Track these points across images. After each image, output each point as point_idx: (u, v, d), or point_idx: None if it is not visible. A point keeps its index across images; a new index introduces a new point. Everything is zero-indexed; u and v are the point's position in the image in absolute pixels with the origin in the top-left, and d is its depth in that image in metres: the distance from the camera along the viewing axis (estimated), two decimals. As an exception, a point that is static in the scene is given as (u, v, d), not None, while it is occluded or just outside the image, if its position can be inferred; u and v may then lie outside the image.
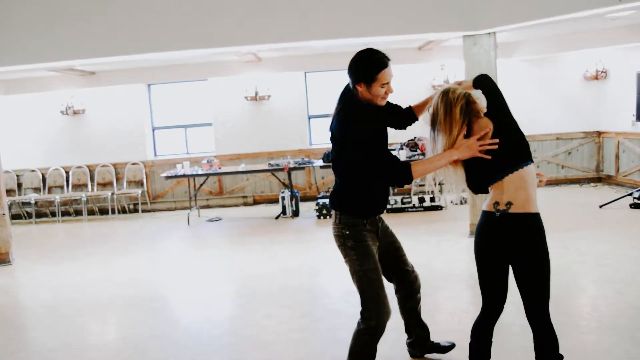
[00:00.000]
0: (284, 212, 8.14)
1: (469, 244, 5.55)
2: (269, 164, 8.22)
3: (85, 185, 9.56)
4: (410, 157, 7.78)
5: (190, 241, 7.32)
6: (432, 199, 7.86)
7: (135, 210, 9.52)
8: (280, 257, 5.97)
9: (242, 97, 9.31)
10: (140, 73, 9.21)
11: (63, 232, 8.42)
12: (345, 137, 2.55)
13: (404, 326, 3.11)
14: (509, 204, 2.38)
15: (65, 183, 9.59)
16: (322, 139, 9.63)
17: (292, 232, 7.21)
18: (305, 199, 9.32)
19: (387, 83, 2.53)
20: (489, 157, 2.39)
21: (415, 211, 7.84)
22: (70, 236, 8.09)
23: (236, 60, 8.73)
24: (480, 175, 2.48)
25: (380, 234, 2.80)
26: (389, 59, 2.53)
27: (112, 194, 9.24)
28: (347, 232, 2.66)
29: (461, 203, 7.86)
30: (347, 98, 2.61)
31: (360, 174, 2.60)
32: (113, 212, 9.37)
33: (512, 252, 2.41)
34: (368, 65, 2.50)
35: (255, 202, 9.57)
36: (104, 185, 9.57)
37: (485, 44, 5.63)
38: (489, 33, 5.59)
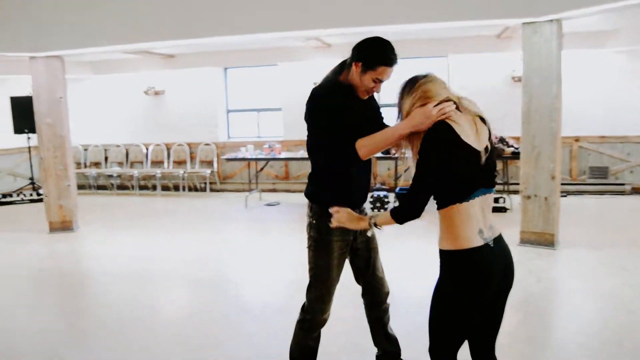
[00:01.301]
0: (339, 202, 8.00)
1: (518, 254, 5.11)
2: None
3: (162, 162, 10.06)
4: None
5: (244, 223, 7.42)
6: (496, 200, 7.32)
7: (204, 190, 9.85)
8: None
9: (310, 83, 9.23)
10: (216, 57, 9.46)
11: (137, 205, 8.90)
12: (306, 114, 2.43)
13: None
14: (491, 227, 2.00)
15: (145, 159, 10.17)
16: (392, 128, 9.35)
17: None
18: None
19: (380, 81, 2.34)
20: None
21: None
22: (142, 209, 8.51)
23: (305, 46, 8.67)
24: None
25: (361, 233, 2.55)
26: (396, 62, 2.34)
27: (184, 172, 9.63)
28: (314, 222, 2.51)
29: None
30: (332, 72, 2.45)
31: (321, 156, 2.46)
32: (184, 190, 9.79)
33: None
34: (377, 53, 2.32)
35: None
36: (179, 163, 10.01)
37: (546, 33, 5.06)
38: (551, 20, 5.02)
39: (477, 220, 1.95)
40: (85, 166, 10.51)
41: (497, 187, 8.20)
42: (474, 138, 1.92)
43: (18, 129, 9.06)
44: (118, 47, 6.77)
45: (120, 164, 10.29)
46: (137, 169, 10.10)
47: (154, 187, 10.00)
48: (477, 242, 1.94)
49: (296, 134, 9.46)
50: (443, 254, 2.00)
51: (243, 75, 10.13)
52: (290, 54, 9.09)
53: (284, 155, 8.49)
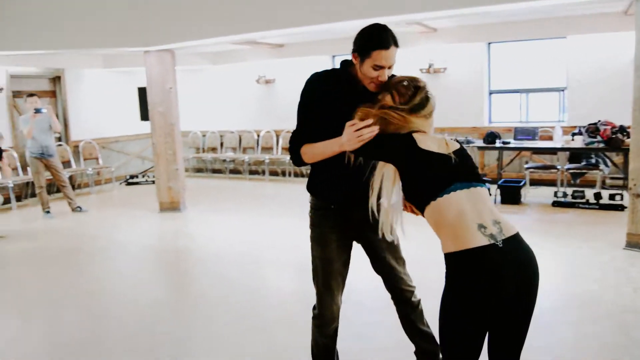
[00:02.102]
0: (438, 192, 7.73)
1: (621, 259, 4.62)
2: (426, 140, 7.84)
3: (271, 149, 10.44)
4: (587, 143, 6.63)
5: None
6: (612, 197, 6.59)
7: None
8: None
9: (417, 70, 8.99)
10: (324, 45, 9.55)
11: (246, 189, 9.33)
12: None
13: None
14: (497, 223, 1.81)
15: (255, 145, 10.62)
16: (504, 116, 8.81)
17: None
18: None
19: (382, 67, 2.15)
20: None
21: (589, 209, 6.66)
22: (250, 193, 8.89)
23: (410, 31, 8.44)
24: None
25: (367, 228, 2.39)
26: (393, 44, 2.16)
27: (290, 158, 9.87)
28: (311, 214, 2.48)
29: None
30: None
31: None
32: (289, 175, 10.09)
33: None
34: (368, 39, 2.18)
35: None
36: (287, 149, 10.30)
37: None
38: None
39: (470, 214, 1.80)
40: (204, 151, 11.24)
41: (615, 183, 7.43)
42: (437, 147, 1.94)
43: (144, 116, 9.90)
44: (224, 39, 7.09)
45: (233, 149, 10.86)
46: (248, 154, 10.58)
47: (263, 172, 10.42)
48: (481, 240, 1.76)
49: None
50: (446, 258, 1.86)
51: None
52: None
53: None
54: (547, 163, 7.98)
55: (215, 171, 11.10)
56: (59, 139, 9.62)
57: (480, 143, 7.47)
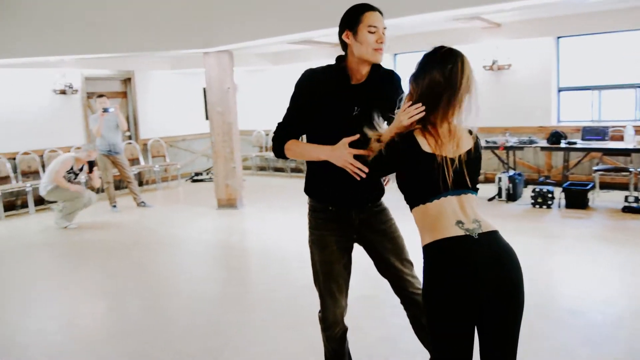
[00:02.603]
0: (499, 194, 7.44)
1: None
2: (486, 140, 7.57)
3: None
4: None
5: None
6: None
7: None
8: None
9: (479, 67, 8.69)
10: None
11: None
12: None
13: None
14: (477, 221, 1.82)
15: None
16: (574, 115, 8.35)
17: (492, 217, 6.54)
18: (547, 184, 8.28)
19: (376, 28, 2.15)
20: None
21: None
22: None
23: (472, 27, 8.18)
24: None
25: (367, 229, 2.38)
26: (377, 9, 2.21)
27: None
28: (309, 217, 2.44)
29: None
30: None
31: None
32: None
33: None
34: (353, 10, 2.20)
35: (488, 180, 8.95)
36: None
37: None
38: None
39: (453, 214, 1.82)
40: (266, 150, 11.43)
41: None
42: (442, 147, 1.86)
43: (207, 116, 10.22)
44: (280, 39, 7.16)
45: (295, 148, 10.95)
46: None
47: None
48: (456, 231, 1.79)
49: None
50: (423, 251, 1.87)
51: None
52: (457, 35, 8.65)
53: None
54: (619, 165, 7.48)
55: (277, 170, 11.28)
56: (129, 137, 10.11)
57: (544, 143, 7.12)
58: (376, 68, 2.30)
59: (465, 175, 1.86)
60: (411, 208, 1.92)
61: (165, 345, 3.49)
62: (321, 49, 9.93)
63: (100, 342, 3.65)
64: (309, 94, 2.27)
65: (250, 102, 11.45)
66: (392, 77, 2.34)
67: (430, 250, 1.83)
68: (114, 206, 7.99)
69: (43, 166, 8.70)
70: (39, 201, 8.56)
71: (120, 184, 9.29)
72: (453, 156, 1.85)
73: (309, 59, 10.34)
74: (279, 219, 6.99)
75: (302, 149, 2.25)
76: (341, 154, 2.05)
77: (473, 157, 1.90)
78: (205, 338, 3.55)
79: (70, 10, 7.15)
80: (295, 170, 10.93)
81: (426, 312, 1.86)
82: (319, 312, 2.49)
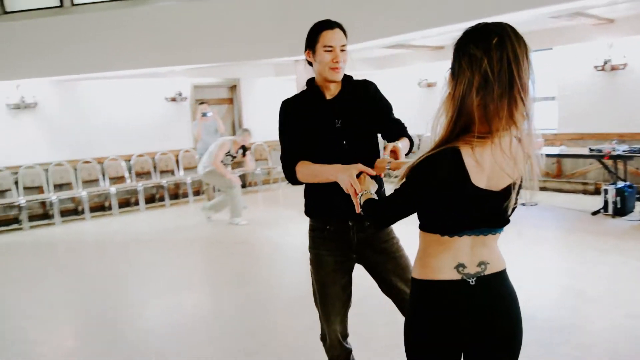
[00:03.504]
0: (604, 208, 6.73)
1: None
2: (590, 148, 6.89)
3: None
4: None
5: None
6: None
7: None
8: (550, 263, 5.19)
9: (590, 67, 7.94)
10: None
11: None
12: None
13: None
14: (484, 263, 1.55)
15: (417, 149, 10.44)
16: None
17: (593, 234, 5.93)
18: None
19: (331, 47, 2.21)
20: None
21: None
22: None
23: (581, 24, 7.51)
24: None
25: (367, 249, 2.31)
26: (337, 27, 2.26)
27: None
28: (309, 236, 2.39)
29: None
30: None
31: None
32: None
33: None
34: (312, 29, 2.29)
35: (597, 191, 8.14)
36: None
37: None
38: None
39: (460, 254, 1.54)
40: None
41: None
42: (496, 176, 1.47)
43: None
44: (371, 43, 7.13)
45: (395, 153, 10.82)
46: (408, 158, 10.43)
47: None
48: (452, 275, 1.54)
49: (573, 127, 8.32)
50: (412, 281, 1.65)
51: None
52: (567, 34, 7.98)
53: (556, 150, 7.56)
54: None
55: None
56: (235, 142, 10.67)
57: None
58: (347, 80, 2.33)
59: (503, 211, 1.51)
60: (422, 229, 1.59)
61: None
62: (421, 52, 9.72)
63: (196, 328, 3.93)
64: (292, 118, 2.31)
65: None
66: (366, 86, 2.36)
67: (418, 286, 1.59)
68: (211, 206, 8.48)
69: (154, 167, 9.51)
70: (150, 199, 9.37)
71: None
72: (502, 187, 1.48)
73: (410, 62, 10.18)
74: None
75: (312, 171, 2.20)
76: (345, 178, 1.95)
77: (515, 188, 1.51)
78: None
79: (180, 24, 7.73)
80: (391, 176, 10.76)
81: (405, 345, 1.66)
82: (321, 329, 2.46)
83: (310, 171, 2.20)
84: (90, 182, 8.94)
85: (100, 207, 9.03)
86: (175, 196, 9.79)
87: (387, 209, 1.61)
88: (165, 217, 8.42)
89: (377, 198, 1.76)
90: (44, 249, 7.01)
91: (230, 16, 7.55)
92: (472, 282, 1.53)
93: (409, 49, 9.42)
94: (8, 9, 8.07)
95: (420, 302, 1.60)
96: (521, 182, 1.51)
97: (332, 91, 2.30)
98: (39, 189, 8.52)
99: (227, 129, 10.03)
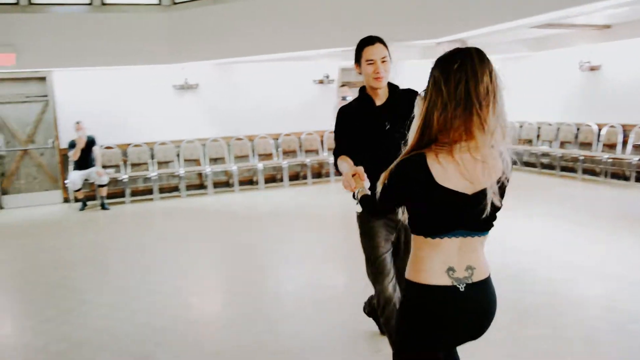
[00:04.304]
0: None
1: None
2: None
3: (590, 145, 9.20)
4: None
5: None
6: None
7: (628, 179, 8.48)
8: None
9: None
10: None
11: (555, 187, 8.60)
12: None
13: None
14: (471, 268, 1.71)
15: (573, 139, 9.54)
16: None
17: None
18: None
19: (373, 60, 2.65)
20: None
21: None
22: (557, 192, 8.25)
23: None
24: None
25: (403, 235, 2.84)
26: (378, 41, 2.69)
27: (609, 157, 8.55)
28: (359, 213, 2.79)
29: None
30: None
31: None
32: (606, 176, 8.72)
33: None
34: (357, 45, 2.74)
35: None
36: (610, 146, 8.92)
37: None
38: None
39: (448, 257, 1.69)
40: (519, 142, 10.69)
41: None
42: (464, 179, 1.64)
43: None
44: (516, 23, 6.64)
45: (550, 142, 10.02)
46: (567, 149, 9.58)
47: (575, 170, 9.31)
48: (442, 280, 1.69)
49: None
50: (406, 282, 1.78)
51: None
52: None
53: None
54: None
55: (528, 164, 10.44)
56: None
57: None
58: (393, 89, 2.79)
59: (479, 213, 1.65)
60: (413, 232, 1.75)
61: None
62: (584, 32, 8.81)
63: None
64: (346, 124, 2.81)
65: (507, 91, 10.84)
66: (410, 95, 2.66)
67: (412, 289, 1.74)
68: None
69: (300, 147, 9.98)
70: (294, 177, 9.88)
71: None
72: (474, 191, 1.64)
73: (571, 43, 9.28)
74: (518, 223, 6.09)
75: (340, 164, 2.72)
76: (344, 176, 2.25)
77: (500, 189, 1.68)
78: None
79: (326, 7, 7.98)
80: (547, 167, 9.96)
81: (396, 340, 1.84)
82: (373, 296, 3.01)
83: (340, 164, 2.71)
84: (241, 158, 9.70)
85: (248, 181, 9.74)
86: (317, 175, 10.19)
87: (377, 204, 1.82)
88: (307, 194, 8.85)
89: (369, 194, 2.01)
90: (198, 214, 7.82)
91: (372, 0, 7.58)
92: (461, 288, 1.68)
93: (569, 29, 8.58)
94: (177, 0, 8.99)
95: (413, 302, 1.74)
96: (503, 187, 1.69)
97: (380, 98, 2.76)
98: (197, 162, 9.47)
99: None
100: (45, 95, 8.84)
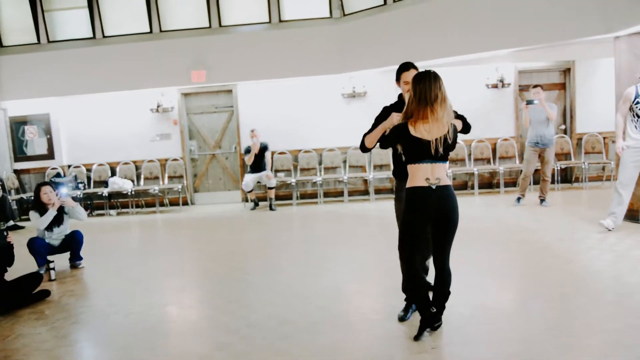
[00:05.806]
0: None
1: None
2: None
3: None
4: None
5: None
6: None
7: None
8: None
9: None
10: None
11: None
12: None
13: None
14: (438, 179, 3.27)
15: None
16: None
17: None
18: None
19: (408, 82, 3.55)
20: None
21: None
22: None
23: None
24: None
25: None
26: (412, 67, 3.71)
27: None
28: (395, 193, 3.87)
29: None
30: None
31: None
32: None
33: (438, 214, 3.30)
34: (398, 69, 3.79)
35: None
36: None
37: None
38: None
39: (425, 173, 3.26)
40: None
41: None
42: (424, 133, 3.23)
43: None
44: None
45: None
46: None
47: None
48: (423, 184, 3.26)
49: None
50: (406, 189, 3.36)
51: None
52: None
53: None
54: None
55: None
56: (564, 132, 9.67)
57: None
58: None
59: (439, 150, 3.23)
60: (406, 164, 3.35)
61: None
62: None
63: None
64: (382, 117, 3.69)
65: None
66: None
67: (409, 191, 3.31)
68: (519, 199, 7.95)
69: (469, 155, 9.50)
70: (460, 186, 9.47)
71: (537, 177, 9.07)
72: (430, 139, 3.22)
73: None
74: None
75: (370, 133, 3.62)
76: (385, 122, 3.53)
77: (446, 139, 3.25)
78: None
79: (502, 5, 7.51)
80: None
81: (400, 222, 3.50)
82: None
83: (369, 134, 3.62)
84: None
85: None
86: (488, 185, 9.60)
87: (383, 142, 3.55)
88: (474, 203, 8.43)
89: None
90: (360, 219, 7.97)
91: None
92: (433, 187, 3.25)
93: None
94: (347, 12, 9.29)
95: (409, 197, 3.31)
96: (446, 137, 3.25)
97: None
98: (362, 168, 9.64)
99: (557, 116, 9.15)
100: (231, 106, 9.91)
